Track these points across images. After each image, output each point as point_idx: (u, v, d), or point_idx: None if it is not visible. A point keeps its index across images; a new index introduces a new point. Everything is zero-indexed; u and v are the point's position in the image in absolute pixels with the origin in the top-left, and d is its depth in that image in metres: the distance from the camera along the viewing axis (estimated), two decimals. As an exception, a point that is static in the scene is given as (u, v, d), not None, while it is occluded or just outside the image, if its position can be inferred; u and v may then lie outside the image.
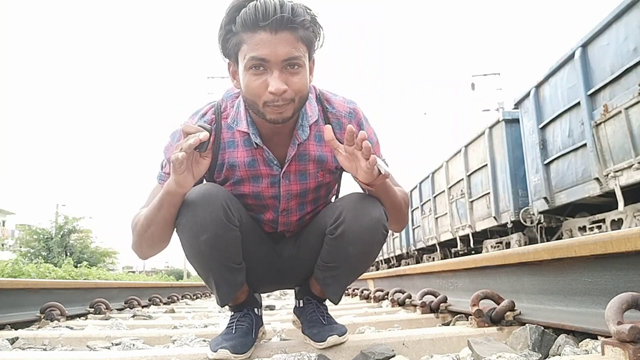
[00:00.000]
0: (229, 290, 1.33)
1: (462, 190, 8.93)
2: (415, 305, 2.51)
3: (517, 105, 6.76)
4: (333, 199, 1.52)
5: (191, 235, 1.22)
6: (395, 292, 3.14)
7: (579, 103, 5.11)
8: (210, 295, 6.68)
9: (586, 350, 1.22)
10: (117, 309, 3.68)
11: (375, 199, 1.32)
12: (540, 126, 6.02)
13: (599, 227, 5.23)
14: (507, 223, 7.23)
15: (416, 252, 12.52)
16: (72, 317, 2.91)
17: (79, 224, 22.55)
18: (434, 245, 10.79)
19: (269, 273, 1.49)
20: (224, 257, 1.26)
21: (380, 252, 1.67)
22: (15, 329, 2.32)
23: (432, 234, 10.83)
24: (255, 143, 1.30)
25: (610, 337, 1.01)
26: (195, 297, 6.15)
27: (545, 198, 6.01)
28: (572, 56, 5.24)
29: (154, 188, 1.36)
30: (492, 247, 8.09)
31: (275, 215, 1.41)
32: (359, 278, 2.99)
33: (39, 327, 2.48)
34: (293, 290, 1.64)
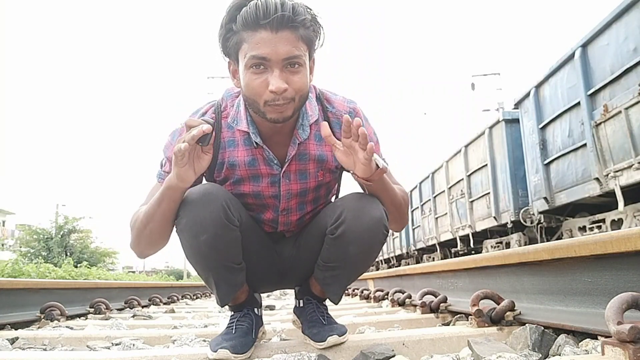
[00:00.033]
0: (229, 290, 1.33)
1: (462, 190, 8.93)
2: (415, 305, 2.51)
3: (517, 105, 6.76)
4: (333, 199, 1.52)
5: (191, 235, 1.22)
6: (395, 292, 3.14)
7: (579, 103, 5.11)
8: (210, 295, 6.68)
9: (586, 350, 1.22)
10: (117, 309, 3.68)
11: (376, 198, 1.32)
12: (540, 126, 6.02)
13: (599, 227, 5.23)
14: (507, 223, 7.23)
15: (416, 252, 12.52)
16: (72, 317, 2.91)
17: (79, 224, 22.57)
18: (434, 245, 10.79)
19: (269, 273, 1.49)
20: (224, 257, 1.26)
21: (380, 252, 1.67)
22: (15, 329, 2.32)
23: (432, 234, 10.83)
24: (256, 142, 1.30)
25: (610, 337, 1.01)
26: (195, 297, 6.15)
27: (545, 198, 6.01)
28: (572, 56, 5.24)
29: (153, 187, 1.36)
30: (492, 247, 8.09)
31: (275, 215, 1.41)
32: (359, 278, 2.99)
33: (39, 327, 2.48)
34: (293, 290, 1.64)
